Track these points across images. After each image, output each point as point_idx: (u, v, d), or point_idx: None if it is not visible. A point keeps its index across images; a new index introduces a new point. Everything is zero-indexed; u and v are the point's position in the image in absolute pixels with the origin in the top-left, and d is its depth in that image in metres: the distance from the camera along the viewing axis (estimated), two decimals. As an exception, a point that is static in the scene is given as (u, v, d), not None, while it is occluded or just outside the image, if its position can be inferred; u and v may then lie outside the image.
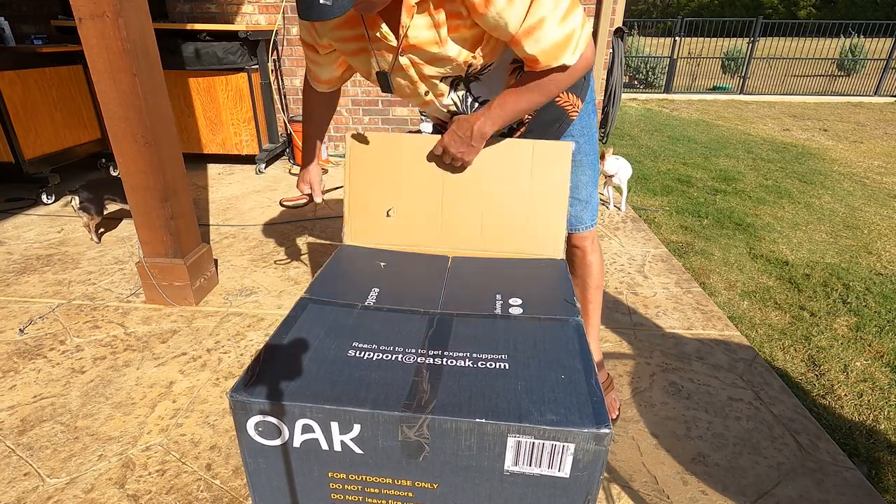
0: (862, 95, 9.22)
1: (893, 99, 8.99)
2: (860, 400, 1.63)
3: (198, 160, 4.01)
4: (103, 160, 3.63)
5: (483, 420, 0.66)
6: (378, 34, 1.00)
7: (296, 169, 3.98)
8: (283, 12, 3.89)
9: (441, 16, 0.94)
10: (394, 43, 1.00)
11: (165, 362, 1.70)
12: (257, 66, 3.73)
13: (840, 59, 11.27)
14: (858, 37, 11.19)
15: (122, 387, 1.58)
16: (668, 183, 3.85)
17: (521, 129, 1.24)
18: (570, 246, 1.43)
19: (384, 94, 4.12)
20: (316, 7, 0.78)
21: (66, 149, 3.29)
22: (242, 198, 3.29)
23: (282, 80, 4.11)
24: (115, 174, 3.63)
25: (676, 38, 10.03)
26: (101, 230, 2.66)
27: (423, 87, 1.11)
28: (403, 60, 1.03)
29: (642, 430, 1.44)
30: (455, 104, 1.17)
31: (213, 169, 3.91)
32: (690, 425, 1.46)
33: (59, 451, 1.34)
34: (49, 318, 1.93)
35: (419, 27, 0.96)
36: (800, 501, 1.23)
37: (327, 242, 2.63)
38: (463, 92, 1.14)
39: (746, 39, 10.16)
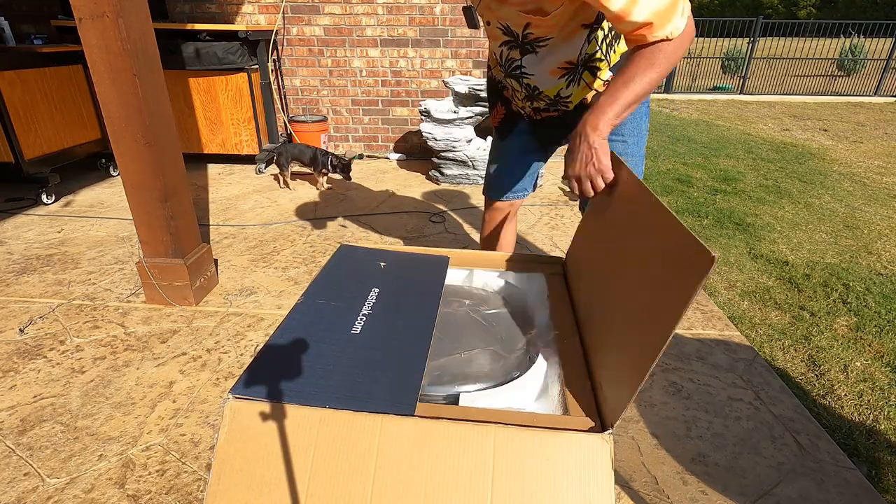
0: (862, 95, 9.21)
1: (893, 99, 8.98)
2: (860, 400, 1.63)
3: (198, 160, 4.01)
4: (103, 160, 3.63)
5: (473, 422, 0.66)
6: None
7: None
8: (283, 12, 3.89)
9: None
10: None
11: (165, 362, 1.70)
12: (257, 66, 3.72)
13: (840, 59, 11.26)
14: (858, 37, 11.18)
15: (122, 387, 1.58)
16: (668, 183, 3.85)
17: (553, 113, 1.27)
18: None
19: (384, 95, 4.13)
20: None
21: (66, 149, 3.29)
22: (242, 198, 3.29)
23: (282, 80, 4.11)
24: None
25: (676, 38, 10.01)
26: (291, 182, 3.49)
27: (488, 18, 1.12)
28: None
29: (642, 430, 1.44)
30: (499, 57, 1.20)
31: (213, 169, 3.91)
32: (690, 425, 1.46)
33: (59, 451, 1.34)
34: (49, 318, 1.93)
35: None
36: (800, 501, 1.23)
37: (327, 242, 2.63)
38: (517, 60, 1.16)
39: (746, 39, 10.16)
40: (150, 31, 1.76)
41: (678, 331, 1.90)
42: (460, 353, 0.87)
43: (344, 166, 3.37)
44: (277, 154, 3.41)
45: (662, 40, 0.90)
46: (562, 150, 2.30)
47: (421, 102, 3.65)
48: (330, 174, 3.43)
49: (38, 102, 3.07)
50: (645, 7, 0.86)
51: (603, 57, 1.14)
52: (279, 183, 3.54)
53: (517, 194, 1.50)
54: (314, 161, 3.36)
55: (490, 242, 1.60)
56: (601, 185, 0.95)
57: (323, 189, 3.44)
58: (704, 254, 0.58)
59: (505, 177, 1.48)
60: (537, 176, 1.53)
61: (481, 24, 1.16)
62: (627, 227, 0.84)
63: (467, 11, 1.13)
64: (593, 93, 1.20)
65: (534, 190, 1.55)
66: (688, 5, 0.90)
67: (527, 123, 1.39)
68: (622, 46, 1.14)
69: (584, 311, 0.93)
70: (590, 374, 0.79)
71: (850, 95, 9.23)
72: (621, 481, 1.27)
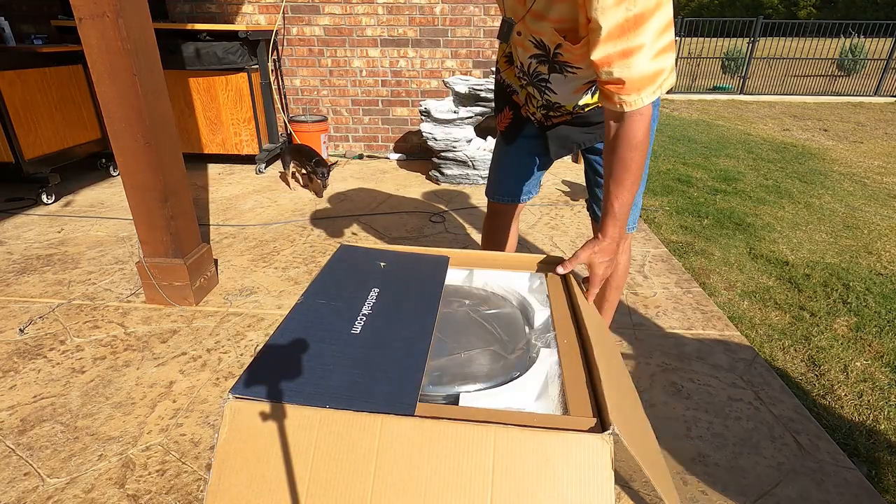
0: (862, 95, 9.21)
1: (893, 99, 8.98)
2: (860, 400, 1.63)
3: (198, 160, 4.01)
4: (103, 160, 3.63)
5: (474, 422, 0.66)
6: None
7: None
8: (283, 12, 3.89)
9: None
10: None
11: (165, 362, 1.70)
12: (257, 66, 3.72)
13: (840, 59, 11.26)
14: (858, 37, 11.18)
15: (122, 387, 1.58)
16: (668, 183, 3.85)
17: (567, 117, 1.27)
18: None
19: (384, 95, 4.13)
20: None
21: (66, 149, 3.29)
22: (242, 198, 3.29)
23: (282, 80, 4.11)
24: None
25: (676, 37, 10.02)
26: (295, 182, 3.52)
27: (520, 28, 1.12)
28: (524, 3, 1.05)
29: (642, 430, 1.44)
30: (527, 68, 1.19)
31: (213, 169, 3.91)
32: (690, 425, 1.45)
33: (59, 451, 1.34)
34: (49, 318, 1.93)
35: None
36: (800, 501, 1.23)
37: (327, 242, 2.63)
38: (545, 75, 1.15)
39: (746, 39, 10.16)
40: (150, 31, 1.76)
41: (678, 330, 1.90)
42: (460, 353, 0.87)
43: (320, 173, 3.15)
44: (282, 153, 3.45)
45: (629, 124, 0.95)
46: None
47: (421, 102, 3.65)
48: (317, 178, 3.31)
49: (38, 102, 3.07)
50: (623, 70, 0.89)
51: None
52: (284, 180, 3.58)
53: (520, 198, 1.50)
54: (307, 162, 3.32)
55: (491, 244, 1.60)
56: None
57: (311, 194, 3.36)
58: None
59: (509, 180, 1.48)
60: (541, 179, 1.54)
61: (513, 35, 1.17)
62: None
63: (505, 24, 1.13)
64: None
65: (536, 192, 1.55)
66: (666, 84, 0.94)
67: (535, 128, 1.39)
68: None
69: (588, 311, 0.93)
70: (590, 374, 0.79)
71: (850, 95, 9.23)
72: (621, 481, 1.28)
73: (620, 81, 0.91)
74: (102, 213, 2.98)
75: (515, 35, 1.14)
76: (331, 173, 3.28)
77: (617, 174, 1.00)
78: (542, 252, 2.54)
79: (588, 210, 1.46)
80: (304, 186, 3.47)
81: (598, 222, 1.40)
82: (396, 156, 4.31)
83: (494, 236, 1.59)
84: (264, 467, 0.65)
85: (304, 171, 3.38)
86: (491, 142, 3.62)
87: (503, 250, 1.60)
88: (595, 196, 1.41)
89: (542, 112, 1.30)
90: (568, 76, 1.11)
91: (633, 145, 0.97)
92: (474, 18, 3.86)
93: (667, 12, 0.87)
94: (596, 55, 0.90)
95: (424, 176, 3.81)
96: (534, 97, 1.28)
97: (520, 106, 1.38)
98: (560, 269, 1.06)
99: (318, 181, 3.23)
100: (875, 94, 9.26)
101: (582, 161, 1.47)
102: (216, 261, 2.35)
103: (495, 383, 0.80)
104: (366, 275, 1.04)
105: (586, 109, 1.24)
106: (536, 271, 1.13)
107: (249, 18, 3.93)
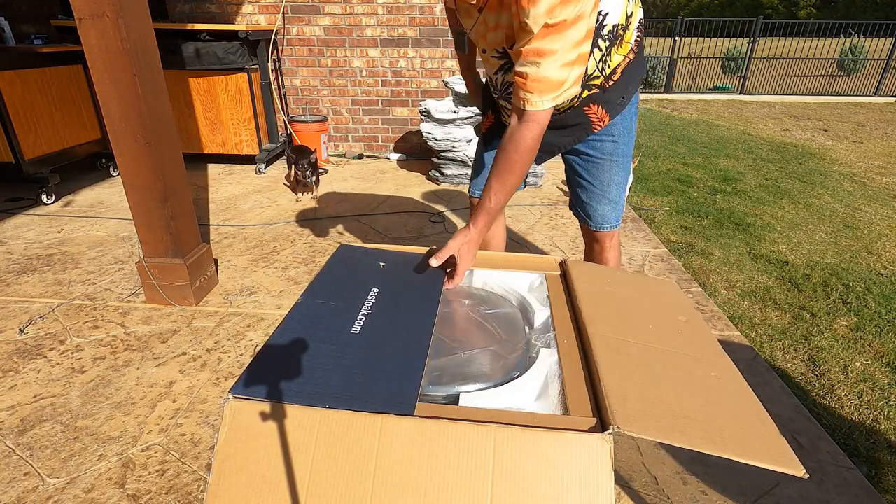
0: (862, 95, 9.21)
1: (893, 99, 8.98)
2: (860, 400, 1.63)
3: (198, 160, 4.01)
4: (103, 160, 3.63)
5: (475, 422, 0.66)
6: None
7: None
8: (283, 12, 3.90)
9: None
10: (475, 2, 1.05)
11: (165, 362, 1.70)
12: (257, 66, 3.73)
13: (840, 59, 11.26)
14: (858, 37, 11.18)
15: (122, 387, 1.58)
16: (668, 183, 3.85)
17: None
18: (591, 241, 1.48)
19: (384, 95, 4.13)
20: None
21: (66, 149, 3.29)
22: (242, 198, 3.29)
23: (282, 80, 4.11)
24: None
25: (676, 38, 10.03)
26: (296, 186, 3.36)
27: (483, 46, 1.16)
28: (480, 20, 1.08)
29: (642, 430, 1.44)
30: (496, 83, 1.23)
31: (213, 169, 3.91)
32: (690, 425, 1.45)
33: (59, 451, 1.34)
34: (49, 318, 1.93)
35: None
36: (800, 501, 1.23)
37: (327, 242, 2.63)
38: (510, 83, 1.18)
39: (746, 39, 10.16)
40: (150, 31, 1.76)
41: (678, 331, 1.90)
42: (460, 353, 0.87)
43: (300, 165, 3.15)
44: (290, 158, 3.45)
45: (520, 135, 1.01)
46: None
47: (421, 102, 3.65)
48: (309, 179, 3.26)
49: (38, 102, 3.07)
50: (532, 67, 0.95)
51: (599, 73, 1.17)
52: (287, 181, 3.63)
53: None
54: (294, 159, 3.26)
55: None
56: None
57: (308, 195, 3.33)
58: (795, 467, 0.66)
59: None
60: (525, 178, 1.54)
61: (468, 50, 1.20)
62: (678, 343, 0.88)
63: (459, 36, 1.15)
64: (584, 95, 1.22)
65: (523, 188, 1.56)
66: (565, 95, 0.99)
67: None
68: (615, 59, 1.16)
69: (587, 312, 0.93)
70: (590, 374, 0.79)
71: (850, 95, 9.23)
72: (621, 481, 1.28)
73: (526, 76, 0.96)
74: (102, 213, 2.98)
75: (481, 53, 1.19)
76: (316, 170, 3.22)
77: (501, 172, 1.05)
78: (542, 252, 2.54)
79: (570, 209, 1.47)
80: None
81: (585, 223, 1.42)
82: (396, 156, 4.31)
83: None
84: (264, 467, 0.65)
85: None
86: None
87: (490, 248, 1.60)
88: (577, 197, 1.41)
89: None
90: None
91: (521, 149, 1.02)
92: (474, 18, 3.86)
93: (584, 27, 0.92)
94: (519, 46, 0.96)
95: (424, 176, 3.81)
96: (507, 108, 1.29)
97: (501, 113, 1.39)
98: (433, 262, 1.06)
99: (298, 174, 3.15)
100: (875, 94, 9.27)
101: None
102: (216, 261, 2.35)
103: (495, 383, 0.80)
104: (365, 275, 1.04)
105: (560, 112, 1.24)
106: (415, 270, 1.10)
107: (249, 18, 3.94)
